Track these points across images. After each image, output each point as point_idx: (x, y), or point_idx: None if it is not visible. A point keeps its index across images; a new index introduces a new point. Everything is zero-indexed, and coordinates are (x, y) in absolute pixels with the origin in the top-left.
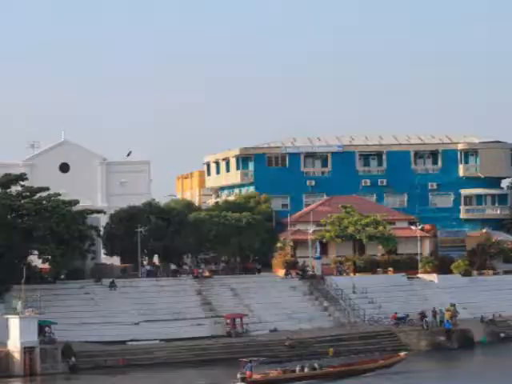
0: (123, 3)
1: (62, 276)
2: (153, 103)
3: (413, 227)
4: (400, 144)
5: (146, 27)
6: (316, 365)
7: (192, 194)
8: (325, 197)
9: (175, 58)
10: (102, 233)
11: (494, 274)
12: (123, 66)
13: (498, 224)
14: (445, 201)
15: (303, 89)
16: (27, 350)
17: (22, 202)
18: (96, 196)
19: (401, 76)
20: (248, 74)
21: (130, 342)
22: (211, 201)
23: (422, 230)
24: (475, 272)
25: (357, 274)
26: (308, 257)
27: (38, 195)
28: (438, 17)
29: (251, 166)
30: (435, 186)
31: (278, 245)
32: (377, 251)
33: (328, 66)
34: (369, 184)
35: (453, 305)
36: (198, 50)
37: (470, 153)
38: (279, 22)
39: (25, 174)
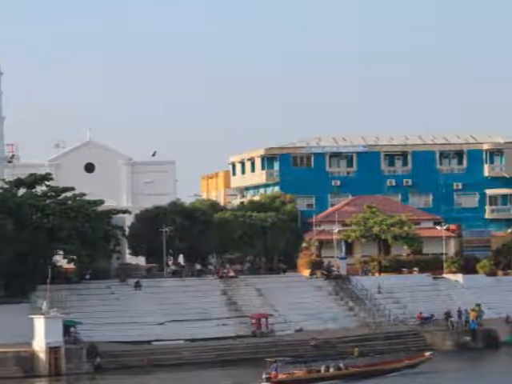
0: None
1: (87, 276)
2: (178, 103)
3: (438, 227)
4: (425, 144)
5: (168, 26)
6: (341, 365)
7: (217, 194)
8: (350, 197)
9: (196, 59)
10: (127, 233)
11: None
12: (148, 67)
13: None
14: (470, 201)
15: (327, 88)
16: (52, 350)
17: (48, 201)
18: (121, 196)
19: (425, 75)
20: (271, 73)
21: (155, 342)
22: (236, 201)
23: (447, 230)
24: (500, 272)
25: (382, 274)
26: (333, 257)
27: (63, 195)
28: (466, 16)
29: (276, 165)
30: (460, 186)
31: (303, 245)
32: (402, 251)
33: (352, 64)
34: (394, 184)
35: (478, 305)
36: (221, 49)
37: (495, 153)
38: (304, 21)
39: (50, 174)
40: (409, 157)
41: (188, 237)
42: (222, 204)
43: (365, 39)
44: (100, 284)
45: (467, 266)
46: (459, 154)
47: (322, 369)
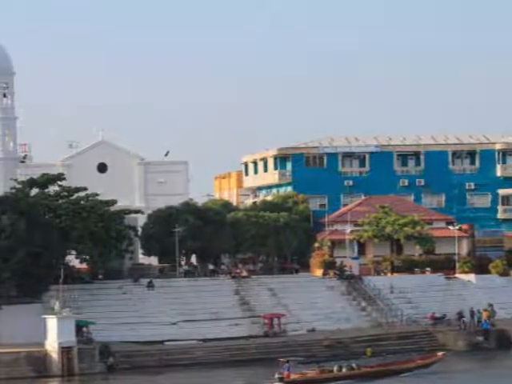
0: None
1: (100, 276)
2: (191, 103)
3: (450, 227)
4: (438, 144)
5: (182, 28)
6: (354, 365)
7: (230, 194)
8: (362, 197)
9: (211, 58)
10: (139, 233)
11: None
12: (161, 66)
13: None
14: (482, 201)
15: (339, 88)
16: (65, 350)
17: (60, 202)
18: (134, 196)
19: (439, 75)
20: (286, 73)
21: (167, 342)
22: (249, 201)
23: (460, 230)
24: None
25: (394, 274)
26: (346, 257)
27: (76, 195)
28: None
29: (289, 166)
30: (473, 186)
31: (316, 245)
32: (414, 251)
33: (365, 64)
34: (406, 184)
35: (490, 305)
36: (232, 49)
37: (507, 153)
38: (308, 20)
39: (63, 174)
40: (421, 157)
41: (201, 237)
42: (234, 204)
43: (375, 39)
44: (112, 284)
45: (480, 266)
46: (472, 154)
47: (335, 369)
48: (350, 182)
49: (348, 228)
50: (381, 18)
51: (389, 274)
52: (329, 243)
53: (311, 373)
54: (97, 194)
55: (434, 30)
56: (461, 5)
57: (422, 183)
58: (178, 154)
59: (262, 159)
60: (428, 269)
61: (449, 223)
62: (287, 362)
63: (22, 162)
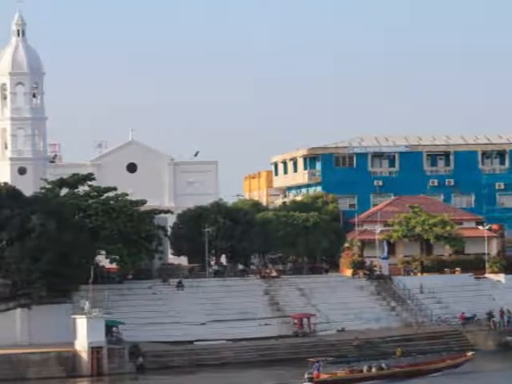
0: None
1: (130, 276)
2: (220, 103)
3: (480, 227)
4: (467, 144)
5: (207, 26)
6: (383, 365)
7: (259, 194)
8: (392, 197)
9: (239, 58)
10: (169, 233)
11: None
12: (188, 66)
13: None
14: None
15: (369, 88)
16: (94, 350)
17: (90, 201)
18: (163, 196)
19: (468, 75)
20: (314, 73)
21: (196, 342)
22: (279, 201)
23: (490, 230)
24: None
25: (424, 274)
26: (375, 257)
27: (106, 195)
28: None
29: (318, 166)
30: (503, 186)
31: (346, 245)
32: (444, 251)
33: (396, 65)
34: (436, 184)
35: None
36: (263, 49)
37: None
38: (351, 22)
39: (92, 174)
40: (451, 157)
41: (230, 237)
42: (264, 204)
43: (412, 39)
44: (142, 284)
45: (509, 266)
46: (501, 154)
47: (365, 369)
48: (380, 182)
49: (378, 228)
50: (421, 17)
51: (418, 274)
52: (358, 243)
53: (341, 373)
54: (126, 194)
55: (468, 30)
56: (494, 6)
57: (452, 183)
58: (208, 153)
59: (291, 159)
60: (458, 269)
61: (478, 223)
62: (317, 361)
63: (52, 162)
